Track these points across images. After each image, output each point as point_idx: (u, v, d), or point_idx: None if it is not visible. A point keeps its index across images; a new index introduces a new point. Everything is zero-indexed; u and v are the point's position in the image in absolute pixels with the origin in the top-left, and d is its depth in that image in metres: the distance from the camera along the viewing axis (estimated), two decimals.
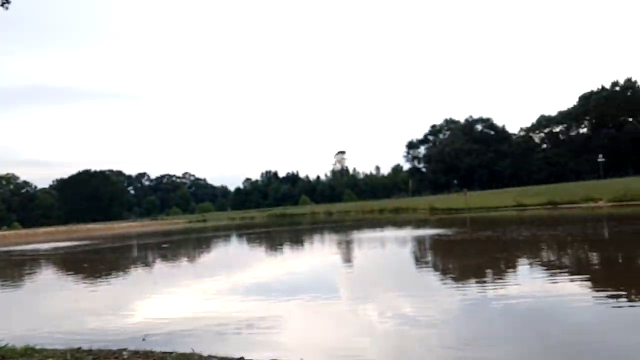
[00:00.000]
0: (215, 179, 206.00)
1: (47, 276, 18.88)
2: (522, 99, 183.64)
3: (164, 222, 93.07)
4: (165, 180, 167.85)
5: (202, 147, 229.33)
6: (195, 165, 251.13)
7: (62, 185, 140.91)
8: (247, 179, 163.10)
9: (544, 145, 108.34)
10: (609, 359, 5.12)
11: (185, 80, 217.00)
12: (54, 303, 11.86)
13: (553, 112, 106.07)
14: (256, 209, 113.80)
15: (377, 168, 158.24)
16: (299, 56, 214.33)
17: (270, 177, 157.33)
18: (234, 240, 32.85)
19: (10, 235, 72.45)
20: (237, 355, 5.78)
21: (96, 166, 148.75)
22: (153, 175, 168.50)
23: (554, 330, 6.34)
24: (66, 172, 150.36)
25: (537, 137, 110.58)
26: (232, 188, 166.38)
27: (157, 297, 11.14)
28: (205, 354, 5.96)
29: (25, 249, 36.91)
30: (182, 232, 50.30)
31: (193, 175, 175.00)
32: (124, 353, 6.15)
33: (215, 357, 5.82)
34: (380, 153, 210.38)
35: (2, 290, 15.29)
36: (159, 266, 19.45)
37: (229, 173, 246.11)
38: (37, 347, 6.61)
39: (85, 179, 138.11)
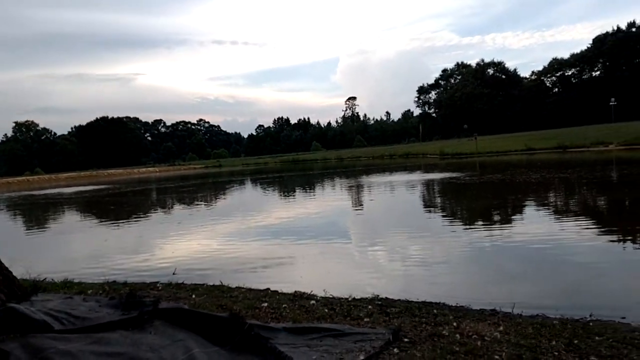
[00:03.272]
0: (228, 126, 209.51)
1: (76, 218, 19.62)
2: (535, 43, 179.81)
3: (181, 167, 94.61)
4: (180, 127, 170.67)
5: (214, 96, 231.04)
6: (209, 113, 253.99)
7: (81, 132, 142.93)
8: (260, 126, 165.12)
9: (556, 90, 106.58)
10: (609, 299, 5.35)
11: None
12: (85, 243, 12.49)
13: (566, 56, 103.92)
14: (269, 155, 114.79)
15: (388, 114, 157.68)
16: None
17: (283, 124, 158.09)
18: (248, 184, 33.47)
19: (34, 180, 75.61)
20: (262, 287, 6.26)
21: (112, 113, 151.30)
22: (169, 122, 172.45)
23: (560, 270, 6.67)
24: (83, 120, 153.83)
25: (548, 81, 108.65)
26: (245, 135, 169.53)
27: (181, 237, 11.71)
28: (232, 285, 6.48)
29: (51, 193, 37.90)
30: (199, 176, 51.14)
31: (207, 123, 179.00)
32: (158, 285, 6.66)
33: (242, 288, 6.31)
34: (391, 99, 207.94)
35: (35, 232, 16.00)
36: (181, 208, 20.14)
37: (242, 120, 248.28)
38: (75, 280, 7.15)
39: (103, 126, 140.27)
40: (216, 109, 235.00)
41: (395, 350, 3.62)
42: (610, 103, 71.05)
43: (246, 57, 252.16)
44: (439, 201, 16.32)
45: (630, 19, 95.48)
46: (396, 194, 18.80)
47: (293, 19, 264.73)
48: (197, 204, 21.45)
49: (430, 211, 13.65)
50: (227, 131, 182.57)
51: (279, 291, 5.93)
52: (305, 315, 4.74)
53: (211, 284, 6.56)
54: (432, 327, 4.17)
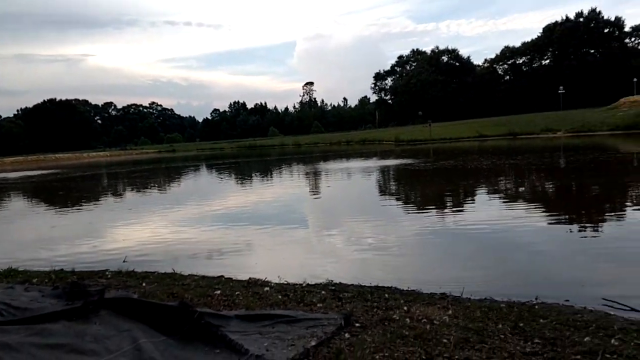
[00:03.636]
0: (182, 110, 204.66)
1: (22, 204, 18.88)
2: (488, 31, 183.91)
3: (133, 151, 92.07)
4: (132, 110, 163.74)
5: (167, 78, 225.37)
6: (162, 95, 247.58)
7: (28, 115, 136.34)
8: (215, 110, 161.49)
9: (507, 77, 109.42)
10: (555, 283, 5.50)
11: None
12: (31, 230, 12.02)
13: (517, 44, 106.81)
14: (225, 140, 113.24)
15: (345, 100, 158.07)
16: None
17: (239, 109, 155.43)
18: (204, 170, 32.97)
19: None
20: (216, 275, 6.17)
21: (60, 95, 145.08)
22: (119, 105, 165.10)
23: (508, 254, 6.88)
24: (29, 102, 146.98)
25: (500, 69, 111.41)
26: (199, 119, 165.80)
27: (132, 224, 11.42)
28: (185, 273, 6.37)
29: None
30: (151, 161, 50.03)
31: (160, 106, 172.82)
32: (107, 273, 6.47)
33: (195, 275, 6.21)
34: (348, 85, 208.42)
35: None
36: (132, 194, 19.64)
37: (196, 104, 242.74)
38: (20, 269, 6.87)
39: (51, 108, 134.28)
40: (169, 92, 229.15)
41: (347, 335, 3.65)
42: (559, 91, 73.66)
43: (200, 39, 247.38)
44: (394, 187, 16.55)
45: (579, 9, 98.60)
46: (352, 180, 18.93)
47: (249, 0, 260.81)
48: (150, 190, 20.98)
49: (385, 197, 13.82)
50: (181, 115, 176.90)
51: (233, 278, 5.88)
52: (259, 302, 4.71)
53: (163, 271, 6.43)
54: (383, 312, 4.22)
